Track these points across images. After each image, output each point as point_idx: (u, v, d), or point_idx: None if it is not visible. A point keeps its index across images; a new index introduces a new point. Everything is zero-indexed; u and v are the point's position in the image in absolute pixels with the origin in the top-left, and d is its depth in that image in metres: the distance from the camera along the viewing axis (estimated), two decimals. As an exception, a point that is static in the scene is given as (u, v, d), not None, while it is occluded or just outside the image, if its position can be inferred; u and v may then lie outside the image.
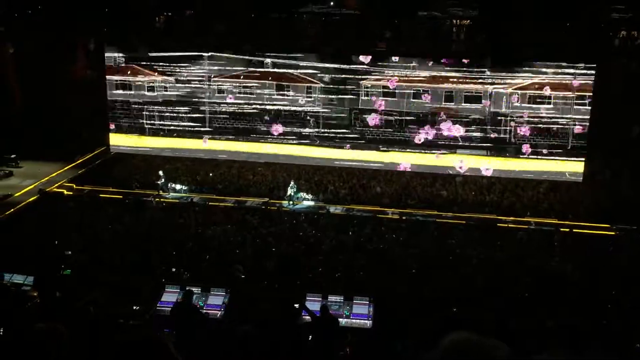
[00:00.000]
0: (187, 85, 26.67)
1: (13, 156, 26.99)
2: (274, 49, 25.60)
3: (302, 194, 24.17)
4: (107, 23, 26.04)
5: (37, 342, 4.79)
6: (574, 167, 24.60)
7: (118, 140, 28.01)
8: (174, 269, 16.35)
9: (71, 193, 24.52)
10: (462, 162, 25.24)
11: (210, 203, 23.52)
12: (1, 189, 24.59)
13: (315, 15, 25.26)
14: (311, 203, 23.97)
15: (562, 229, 21.52)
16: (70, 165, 27.23)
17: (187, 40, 26.22)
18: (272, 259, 17.59)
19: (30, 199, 23.56)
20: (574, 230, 21.43)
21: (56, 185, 25.13)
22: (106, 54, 27.37)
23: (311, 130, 26.08)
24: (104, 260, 16.63)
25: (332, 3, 25.31)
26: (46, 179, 25.70)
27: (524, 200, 24.38)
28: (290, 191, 23.85)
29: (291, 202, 23.74)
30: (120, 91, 27.53)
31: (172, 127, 27.16)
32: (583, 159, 24.53)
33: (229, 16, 25.26)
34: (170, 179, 25.69)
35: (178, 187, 25.33)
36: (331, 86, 25.58)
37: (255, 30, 25.03)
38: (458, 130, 25.00)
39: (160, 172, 25.20)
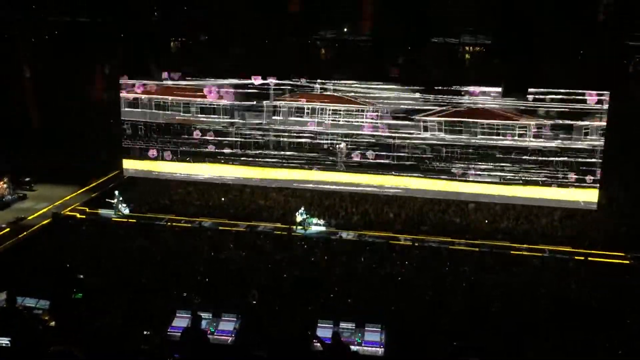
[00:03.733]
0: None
1: (27, 179, 27.21)
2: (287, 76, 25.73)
3: (314, 220, 24.08)
4: (122, 47, 26.23)
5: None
6: (588, 194, 24.43)
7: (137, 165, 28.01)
8: (185, 294, 16.32)
9: (84, 217, 24.57)
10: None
11: (221, 227, 23.48)
12: (15, 211, 24.72)
13: (328, 42, 25.39)
14: (323, 228, 23.87)
15: (576, 257, 21.30)
16: (83, 189, 27.37)
17: (202, 64, 26.42)
18: (287, 282, 17.56)
19: (44, 222, 23.64)
20: (589, 258, 21.18)
21: (69, 208, 25.21)
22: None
23: None
24: (116, 284, 16.64)
25: (345, 30, 25.46)
26: (60, 202, 25.82)
27: (538, 228, 24.19)
28: (300, 217, 23.78)
29: (303, 228, 23.67)
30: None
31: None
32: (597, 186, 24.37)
33: (243, 41, 25.44)
34: (128, 201, 25.37)
35: (127, 210, 24.96)
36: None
37: (272, 55, 25.14)
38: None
39: (116, 192, 25.21)
